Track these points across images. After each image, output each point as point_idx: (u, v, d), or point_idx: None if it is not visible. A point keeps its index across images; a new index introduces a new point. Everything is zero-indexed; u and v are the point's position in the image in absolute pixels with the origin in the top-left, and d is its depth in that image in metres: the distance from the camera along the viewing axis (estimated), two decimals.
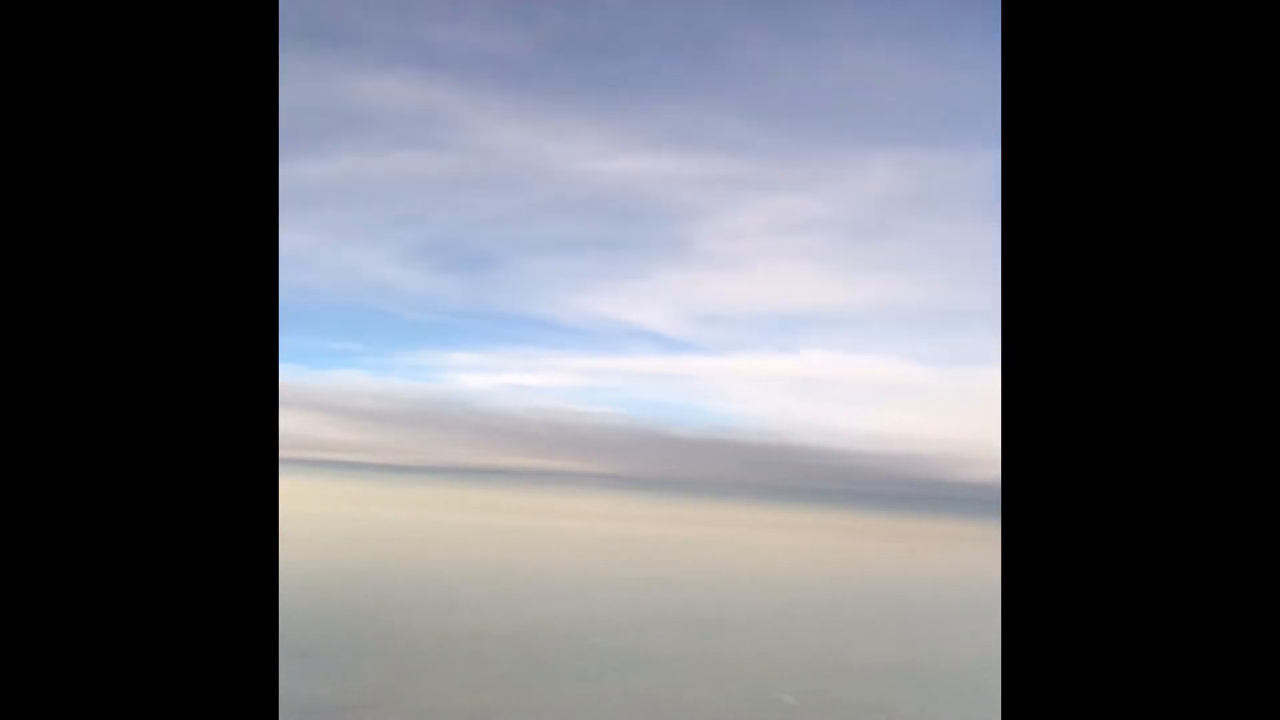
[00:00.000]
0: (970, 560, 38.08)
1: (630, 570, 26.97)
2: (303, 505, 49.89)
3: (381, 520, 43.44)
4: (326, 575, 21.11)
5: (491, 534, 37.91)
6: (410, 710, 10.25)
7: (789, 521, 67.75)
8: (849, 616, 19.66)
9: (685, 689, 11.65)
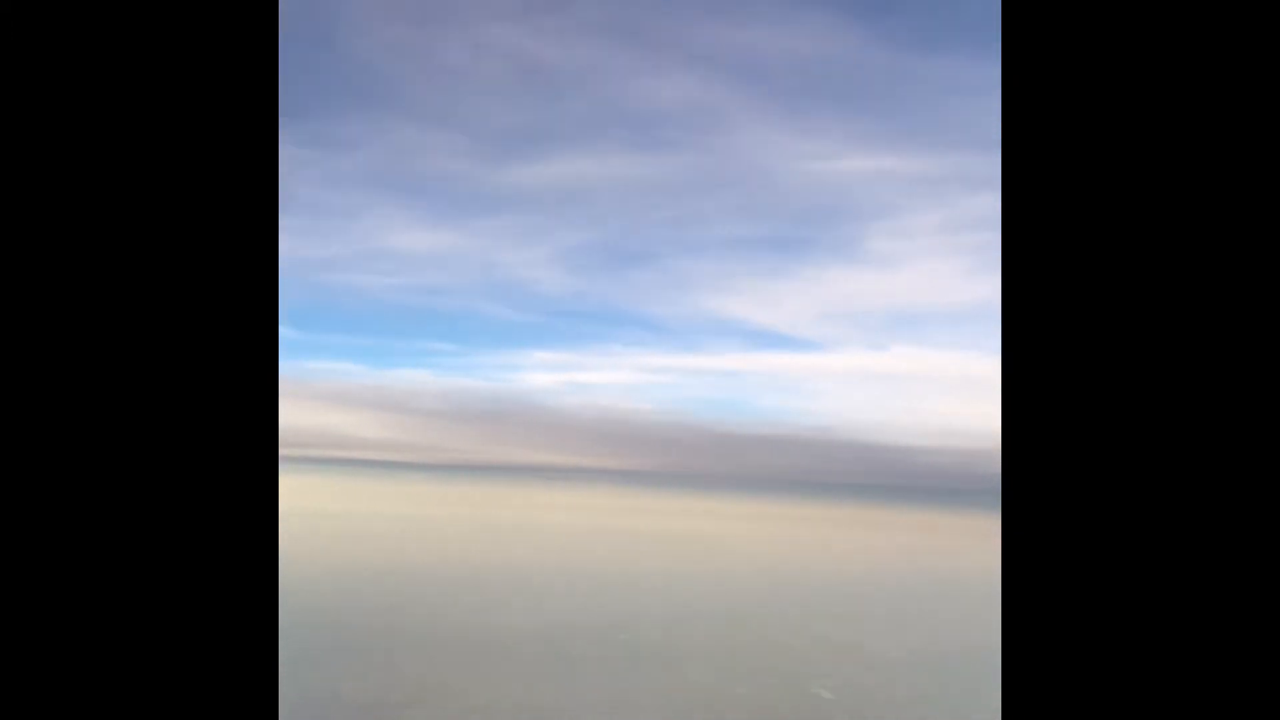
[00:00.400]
0: None
1: (660, 565, 27.00)
2: (345, 503, 50.74)
3: (414, 518, 43.79)
4: (361, 573, 21.34)
5: (522, 531, 38.11)
6: (462, 706, 10.34)
7: (830, 516, 67.56)
8: (881, 610, 19.55)
9: (721, 685, 11.66)
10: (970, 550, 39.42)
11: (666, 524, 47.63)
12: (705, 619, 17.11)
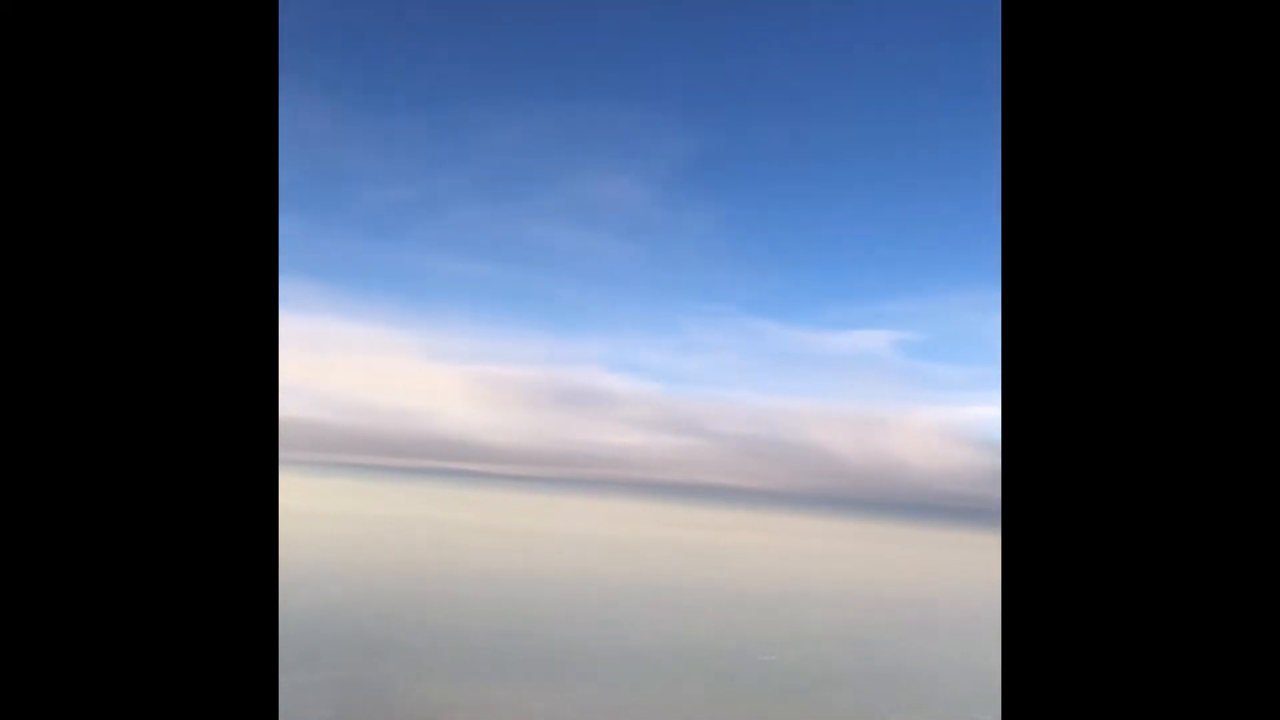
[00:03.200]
0: None
1: (779, 586, 27.42)
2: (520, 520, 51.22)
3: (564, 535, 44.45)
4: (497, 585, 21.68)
5: (658, 547, 38.69)
6: None
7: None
8: None
9: (886, 710, 11.74)
10: None
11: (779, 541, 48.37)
12: (838, 641, 17.32)
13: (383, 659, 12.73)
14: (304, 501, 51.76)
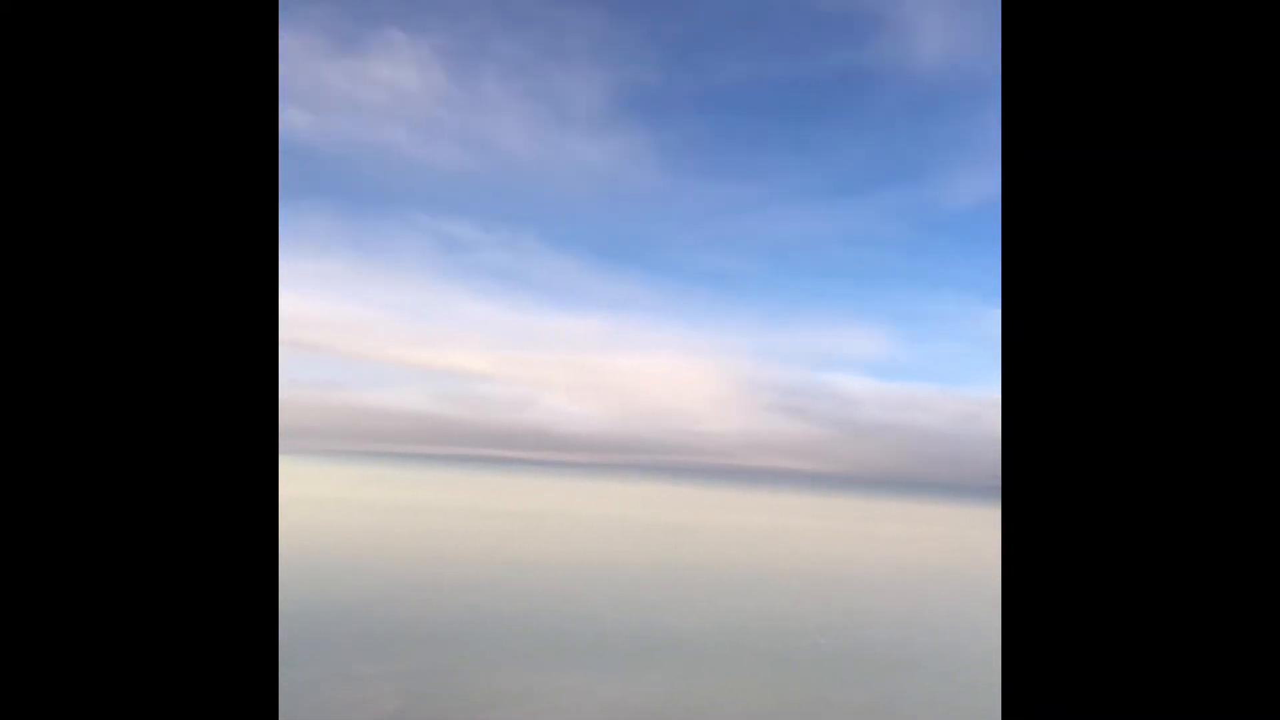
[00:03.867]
0: None
1: (831, 568, 27.57)
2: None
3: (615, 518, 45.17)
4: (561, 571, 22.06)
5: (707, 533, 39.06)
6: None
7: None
8: None
9: (952, 695, 11.73)
10: None
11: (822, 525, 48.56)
12: (900, 625, 17.30)
13: (450, 649, 12.92)
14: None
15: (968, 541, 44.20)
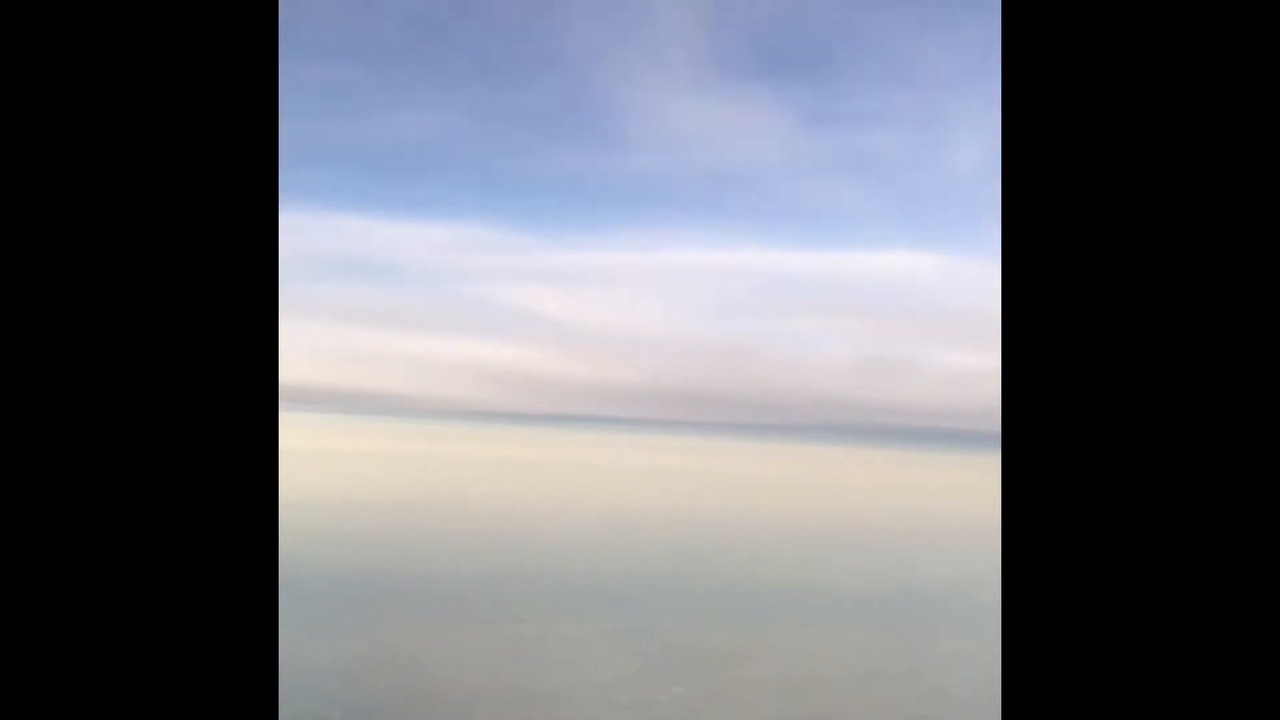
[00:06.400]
0: None
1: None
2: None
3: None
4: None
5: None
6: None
7: None
8: None
9: None
10: None
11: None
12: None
13: (643, 606, 13.21)
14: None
15: None
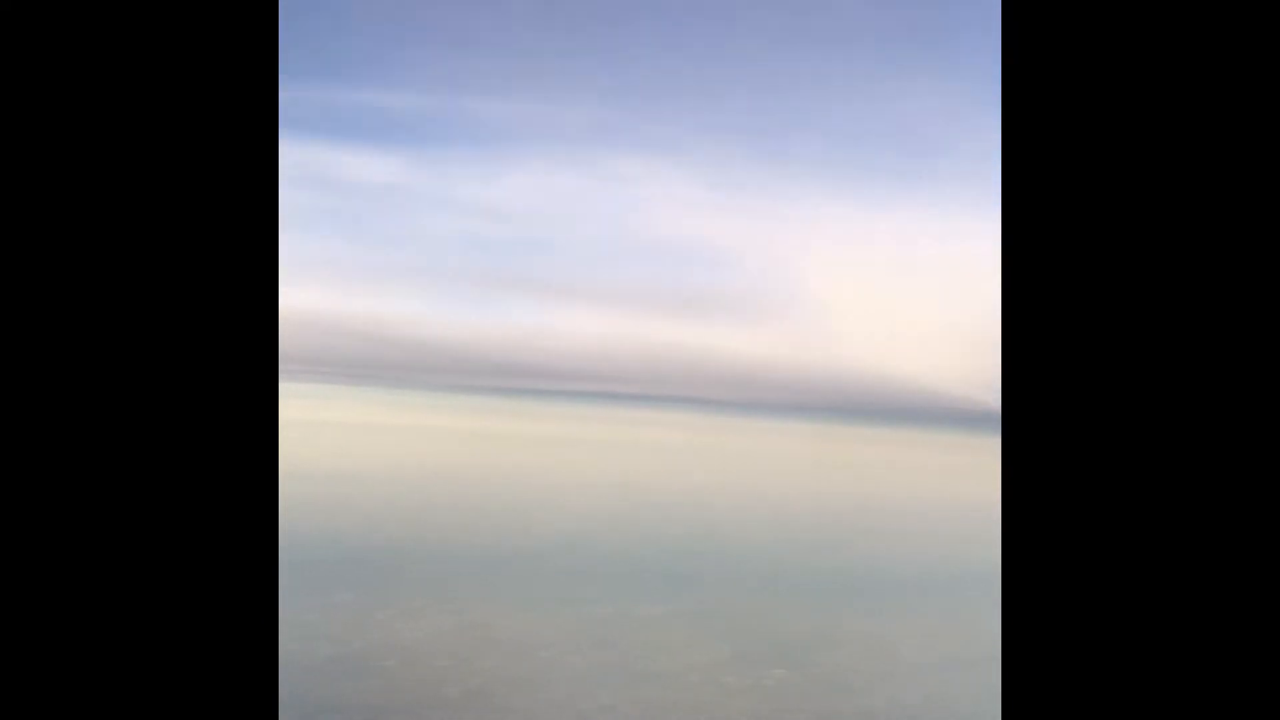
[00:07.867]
0: None
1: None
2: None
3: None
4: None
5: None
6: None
7: None
8: None
9: None
10: None
11: None
12: None
13: (757, 589, 13.22)
14: None
15: None
